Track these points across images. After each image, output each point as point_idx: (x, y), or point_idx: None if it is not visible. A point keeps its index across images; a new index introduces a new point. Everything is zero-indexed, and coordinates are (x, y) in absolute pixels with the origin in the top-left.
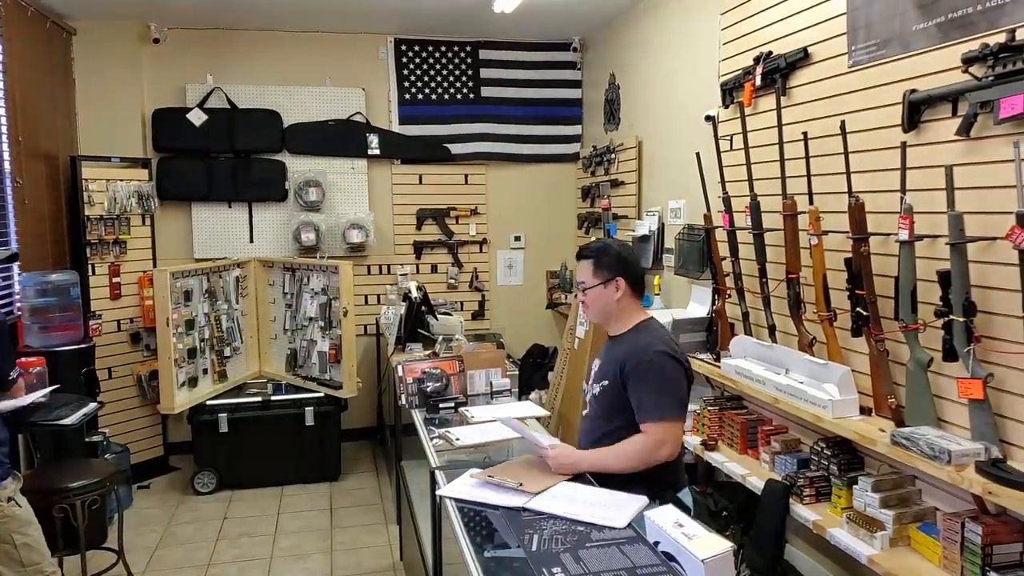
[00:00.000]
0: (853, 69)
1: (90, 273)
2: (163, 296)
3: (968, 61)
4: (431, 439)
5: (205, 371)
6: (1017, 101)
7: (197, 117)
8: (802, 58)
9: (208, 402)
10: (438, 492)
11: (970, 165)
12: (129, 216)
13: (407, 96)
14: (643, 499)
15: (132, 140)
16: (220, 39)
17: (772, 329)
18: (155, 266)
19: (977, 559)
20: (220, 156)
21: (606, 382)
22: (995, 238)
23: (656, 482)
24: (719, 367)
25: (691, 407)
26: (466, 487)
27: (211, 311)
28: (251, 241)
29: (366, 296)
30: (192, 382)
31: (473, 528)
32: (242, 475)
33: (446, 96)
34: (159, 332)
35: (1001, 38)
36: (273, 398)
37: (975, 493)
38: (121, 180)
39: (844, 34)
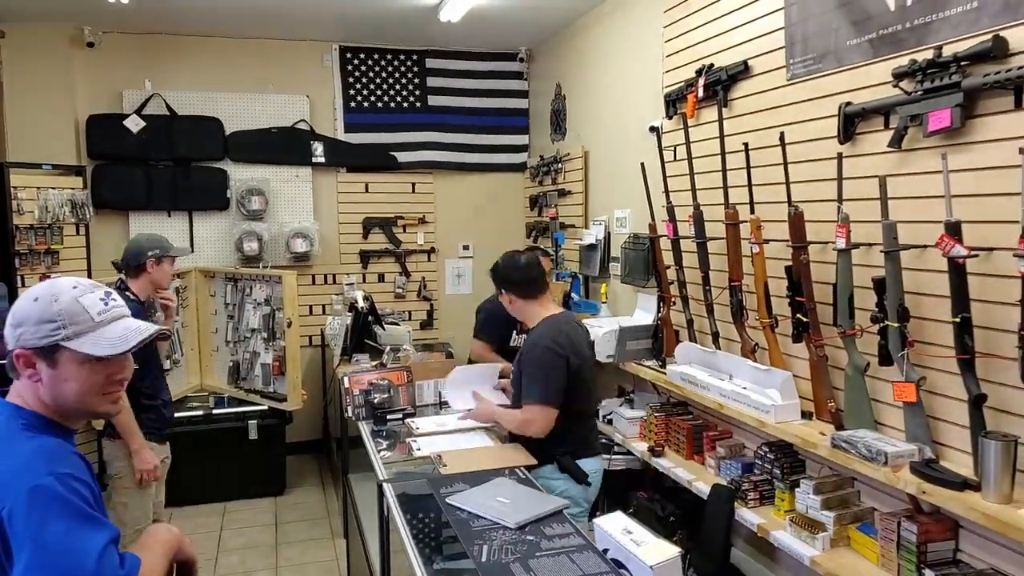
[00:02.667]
0: (791, 82)
1: (19, 285)
2: None
3: (898, 76)
4: (378, 451)
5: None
6: (944, 115)
7: (134, 124)
8: (743, 71)
9: (178, 414)
10: None
11: (902, 176)
12: (62, 225)
13: (353, 104)
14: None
15: (65, 147)
16: (158, 44)
17: (716, 336)
18: (90, 277)
19: (913, 557)
20: (159, 164)
21: (517, 369)
22: (926, 246)
23: (550, 447)
24: (665, 373)
25: (638, 413)
26: None
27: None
28: (191, 251)
29: (311, 306)
30: None
31: (422, 540)
32: (182, 492)
33: (392, 104)
34: None
35: (929, 54)
36: (215, 412)
37: (910, 493)
38: (53, 188)
39: (782, 48)
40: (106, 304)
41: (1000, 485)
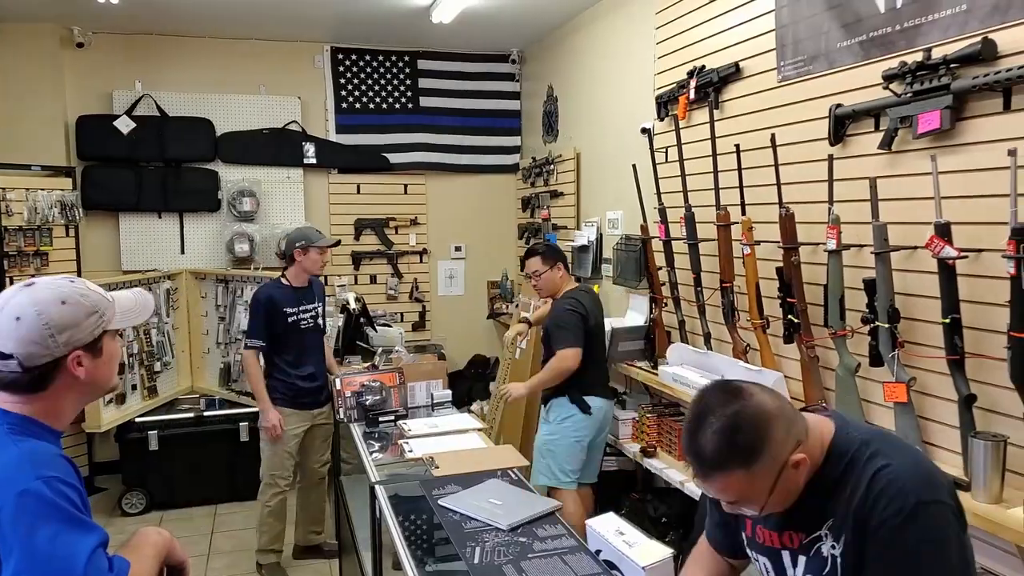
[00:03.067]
0: (782, 84)
1: (9, 286)
2: None
3: (888, 78)
4: (370, 453)
5: (134, 387)
6: (933, 117)
7: (125, 125)
8: (734, 72)
9: (137, 419)
10: None
11: (892, 177)
12: (51, 227)
13: (344, 105)
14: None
15: (54, 148)
16: (149, 45)
17: (707, 337)
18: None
19: None
20: (149, 165)
21: (544, 330)
22: (916, 247)
23: (554, 388)
24: (657, 374)
25: (630, 414)
26: None
27: (140, 325)
28: (182, 252)
29: None
30: (120, 399)
31: (414, 542)
32: (173, 494)
33: (384, 105)
34: None
35: (918, 57)
36: (206, 414)
37: None
38: (42, 189)
39: (773, 50)
40: (92, 287)
41: (990, 485)
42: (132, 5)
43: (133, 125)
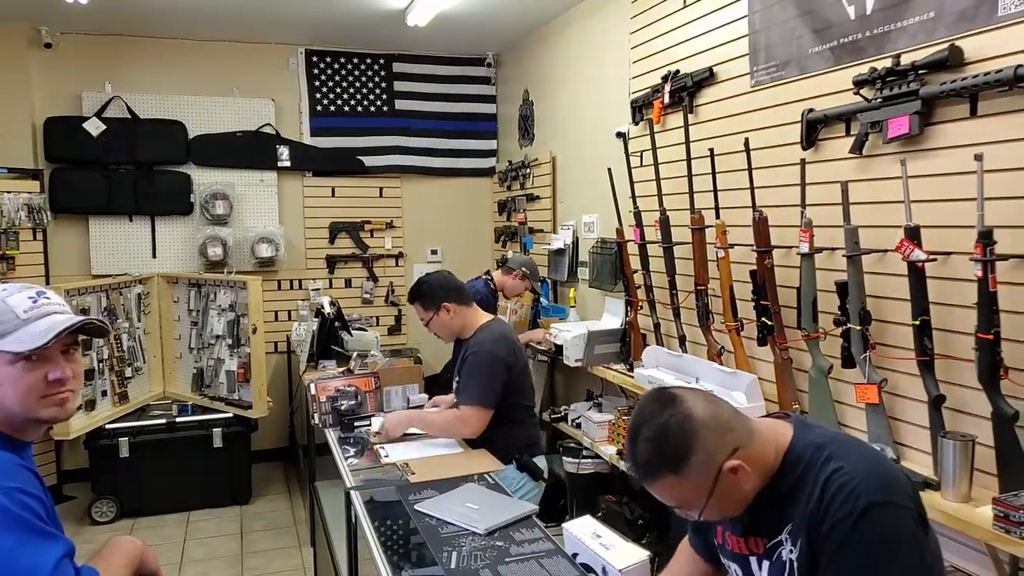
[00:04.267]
0: (755, 89)
1: None
2: None
3: (859, 84)
4: (346, 458)
5: (104, 393)
6: (903, 122)
7: (94, 127)
8: (708, 77)
9: (107, 426)
10: None
11: (863, 181)
12: (18, 230)
13: (319, 108)
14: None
15: (21, 150)
16: (119, 46)
17: (682, 339)
18: (48, 283)
19: None
20: (120, 167)
21: (458, 377)
22: (886, 250)
23: (505, 448)
24: (632, 377)
25: (606, 417)
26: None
27: (110, 330)
28: (154, 256)
29: (276, 312)
30: (89, 405)
31: (390, 548)
32: (145, 502)
33: (359, 108)
34: None
35: (888, 63)
36: (178, 420)
37: None
38: (8, 192)
39: (746, 55)
40: (35, 302)
41: (958, 484)
42: (102, 6)
43: (103, 127)
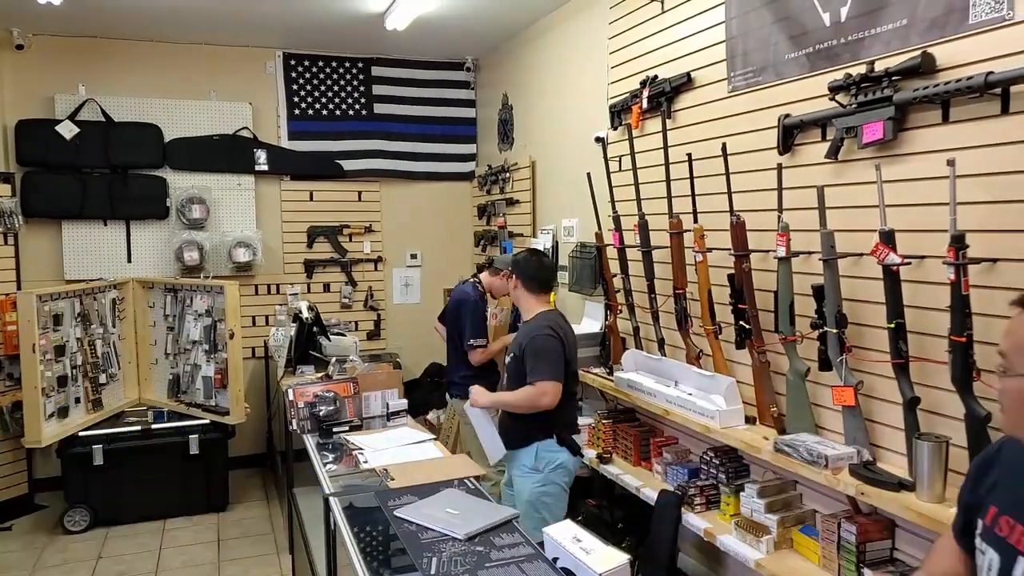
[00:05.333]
0: (732, 94)
1: None
2: (28, 321)
3: (834, 89)
4: (324, 464)
5: (77, 400)
6: (877, 127)
7: (68, 130)
8: (686, 82)
9: (81, 433)
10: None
11: (839, 186)
12: None
13: (297, 111)
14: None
15: None
16: (93, 48)
17: (661, 343)
18: (19, 288)
19: (853, 557)
20: (94, 171)
21: (512, 354)
22: (862, 254)
23: (540, 427)
24: (612, 381)
25: (587, 421)
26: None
27: (84, 336)
28: (129, 261)
29: (254, 317)
30: (62, 412)
31: (370, 554)
32: (120, 510)
33: (337, 112)
34: (23, 360)
35: (862, 69)
36: (154, 426)
37: (849, 495)
38: None
39: (724, 61)
40: None
41: (933, 485)
42: (75, 7)
43: (76, 130)
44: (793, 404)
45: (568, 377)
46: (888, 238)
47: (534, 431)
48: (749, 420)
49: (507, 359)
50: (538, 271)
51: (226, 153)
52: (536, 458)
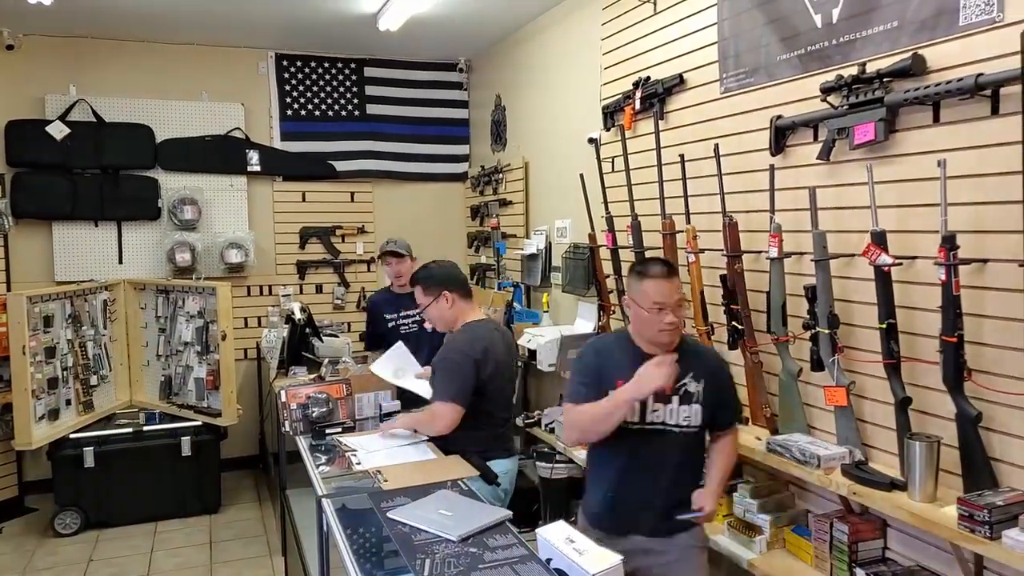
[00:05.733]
0: (725, 95)
1: None
2: (18, 323)
3: (826, 91)
4: (317, 466)
5: (68, 402)
6: (869, 128)
7: (58, 130)
8: (678, 84)
9: (72, 435)
10: None
11: (831, 187)
12: None
13: (289, 112)
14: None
15: None
16: (84, 48)
17: None
18: (9, 290)
19: (845, 557)
20: (85, 172)
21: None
22: (853, 255)
23: (461, 447)
24: None
25: None
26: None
27: (75, 337)
28: (120, 262)
29: (246, 319)
30: (53, 414)
31: (363, 555)
32: (111, 512)
33: (330, 113)
34: (13, 362)
35: (854, 70)
36: (146, 428)
37: (841, 494)
38: None
39: (716, 62)
40: None
41: (924, 485)
42: (66, 7)
43: (67, 131)
44: (786, 404)
45: (487, 396)
46: (880, 239)
47: (447, 453)
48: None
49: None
50: (459, 275)
51: (218, 154)
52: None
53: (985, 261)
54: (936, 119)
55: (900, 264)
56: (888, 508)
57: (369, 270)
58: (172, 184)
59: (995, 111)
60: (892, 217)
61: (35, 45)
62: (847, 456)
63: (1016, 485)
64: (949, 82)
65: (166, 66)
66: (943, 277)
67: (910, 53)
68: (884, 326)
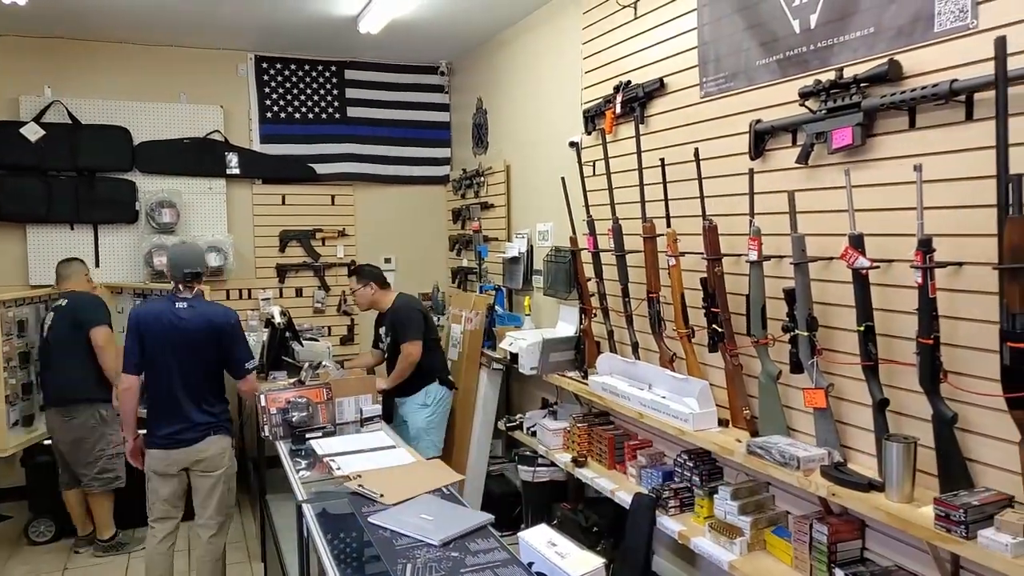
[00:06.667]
0: (705, 100)
1: None
2: None
3: (804, 95)
4: (297, 471)
5: (42, 408)
6: (846, 133)
7: (32, 132)
8: (658, 88)
9: (46, 442)
10: None
11: (809, 191)
12: None
13: (269, 114)
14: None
15: None
16: (60, 49)
17: (635, 346)
18: None
19: (824, 557)
20: (60, 174)
21: (390, 336)
22: (832, 258)
23: (426, 375)
24: (587, 384)
25: (562, 424)
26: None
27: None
28: (97, 266)
29: None
30: (27, 420)
31: (343, 560)
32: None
33: (310, 115)
34: None
35: (831, 75)
36: None
37: (821, 496)
38: None
39: (696, 67)
40: None
41: (902, 485)
42: (41, 7)
43: (42, 132)
44: (765, 407)
45: (432, 331)
46: (857, 242)
47: (423, 379)
48: (722, 423)
49: (386, 341)
50: (379, 272)
51: (197, 156)
52: (426, 396)
53: (960, 264)
54: (912, 124)
55: (877, 267)
56: (866, 509)
57: (349, 274)
58: (150, 187)
59: (969, 116)
60: (870, 221)
61: (9, 46)
62: (826, 457)
63: (991, 485)
64: (924, 88)
65: (144, 68)
66: (919, 280)
67: (887, 59)
68: (862, 328)
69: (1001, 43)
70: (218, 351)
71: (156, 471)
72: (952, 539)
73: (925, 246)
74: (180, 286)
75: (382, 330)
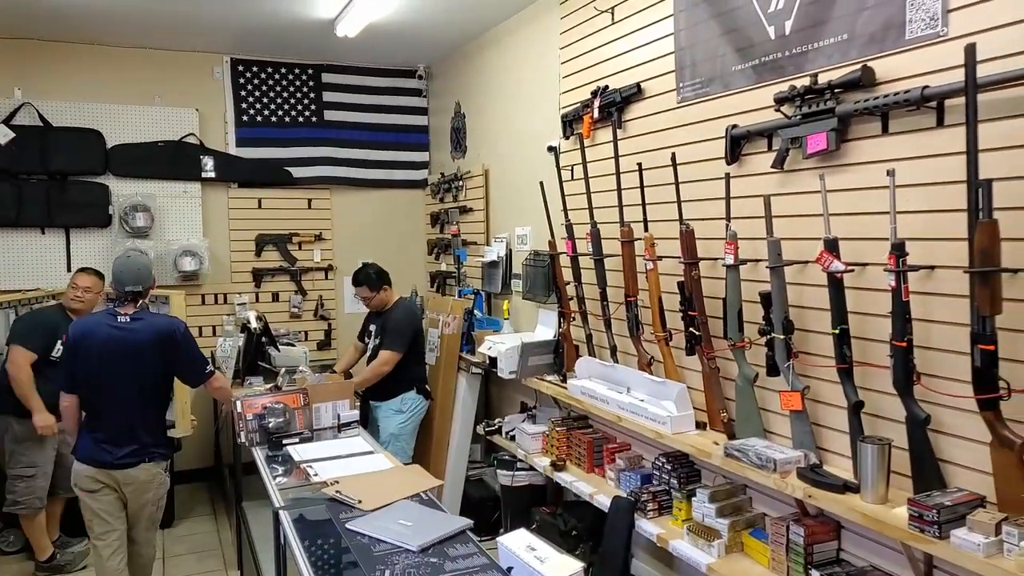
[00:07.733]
0: (681, 105)
1: None
2: None
3: (780, 101)
4: (274, 477)
5: None
6: (821, 138)
7: (2, 135)
8: (636, 93)
9: None
10: None
11: (785, 195)
12: None
13: (245, 118)
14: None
15: None
16: (30, 50)
17: (614, 350)
18: None
19: (800, 559)
20: (31, 178)
21: (379, 339)
22: (807, 262)
23: (404, 383)
24: (566, 388)
25: (540, 428)
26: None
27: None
28: (68, 270)
29: (200, 328)
30: None
31: (321, 567)
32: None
33: (287, 119)
34: None
35: (806, 81)
36: None
37: (797, 497)
38: None
39: (673, 72)
40: None
41: (876, 486)
42: (10, 8)
43: (12, 135)
44: (742, 409)
45: (419, 345)
46: (832, 246)
47: (401, 386)
48: (700, 425)
49: (374, 342)
50: (383, 272)
51: (171, 160)
52: (402, 403)
53: (933, 268)
54: (885, 129)
55: (852, 271)
56: (841, 510)
57: (327, 278)
58: (124, 190)
59: (940, 122)
60: (844, 225)
61: None
62: (802, 459)
63: (963, 485)
64: (897, 94)
65: (118, 70)
66: (893, 283)
67: (860, 65)
68: (837, 331)
69: (971, 50)
70: (165, 364)
71: (82, 488)
72: (925, 539)
73: (898, 250)
74: (122, 301)
75: (373, 327)
